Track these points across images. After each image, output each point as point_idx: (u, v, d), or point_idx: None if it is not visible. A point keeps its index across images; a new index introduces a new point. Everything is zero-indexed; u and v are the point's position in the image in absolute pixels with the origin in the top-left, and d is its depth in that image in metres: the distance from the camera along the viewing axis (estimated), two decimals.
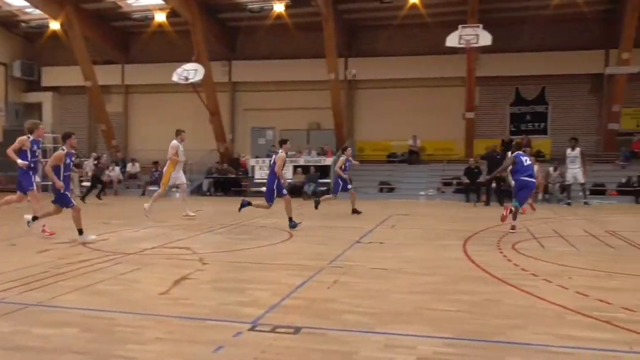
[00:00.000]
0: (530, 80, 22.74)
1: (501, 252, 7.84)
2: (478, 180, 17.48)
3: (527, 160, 10.13)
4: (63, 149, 8.55)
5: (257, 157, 22.29)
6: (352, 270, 6.52)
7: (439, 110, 22.80)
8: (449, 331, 4.22)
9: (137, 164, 23.04)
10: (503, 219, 9.88)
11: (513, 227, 9.84)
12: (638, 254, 7.76)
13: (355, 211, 13.28)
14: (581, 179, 16.30)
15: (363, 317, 4.58)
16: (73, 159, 9.04)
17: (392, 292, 5.48)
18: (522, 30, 21.16)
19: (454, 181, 19.58)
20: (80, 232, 8.42)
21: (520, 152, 10.39)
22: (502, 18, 20.96)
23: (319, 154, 21.91)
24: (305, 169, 20.34)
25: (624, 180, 18.24)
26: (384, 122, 23.49)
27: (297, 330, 4.22)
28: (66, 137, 8.67)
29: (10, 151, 8.84)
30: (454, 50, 19.53)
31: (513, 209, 9.80)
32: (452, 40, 18.63)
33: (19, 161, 8.84)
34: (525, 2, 19.33)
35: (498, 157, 17.18)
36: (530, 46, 21.58)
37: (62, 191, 8.47)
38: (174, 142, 11.98)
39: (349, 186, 13.53)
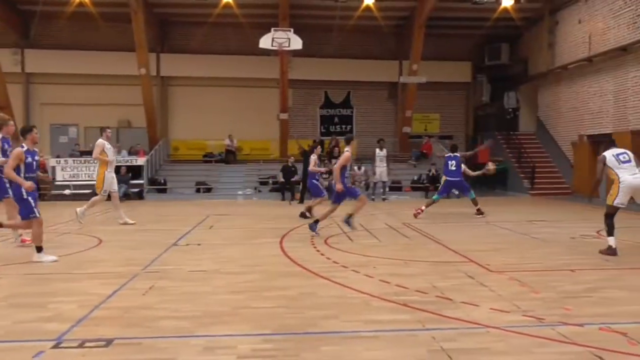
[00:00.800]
0: (337, 85, 24.35)
1: (315, 247, 8.28)
2: (292, 179, 18.20)
3: (452, 165, 12.59)
4: (23, 146, 7.19)
5: (58, 156, 20.17)
6: (169, 274, 6.32)
7: (254, 111, 23.17)
8: (268, 327, 4.34)
9: None
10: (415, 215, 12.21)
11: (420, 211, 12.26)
12: (428, 242, 8.84)
13: (304, 214, 12.27)
14: (385, 178, 18.03)
15: (181, 322, 4.48)
16: (37, 157, 7.49)
17: (210, 294, 5.45)
18: (330, 37, 22.56)
19: (270, 180, 20.10)
20: (39, 249, 7.09)
21: (452, 154, 12.86)
22: (311, 24, 22.06)
23: (130, 154, 20.69)
24: (116, 169, 18.99)
25: (415, 177, 20.62)
26: (199, 120, 23.10)
27: (108, 342, 3.97)
28: (25, 131, 7.32)
29: None
30: (267, 52, 20.04)
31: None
32: (265, 42, 19.07)
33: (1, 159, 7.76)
34: (331, 12, 20.62)
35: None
36: (337, 53, 23.11)
37: (24, 196, 7.02)
38: (99, 140, 10.96)
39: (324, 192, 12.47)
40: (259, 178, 20.61)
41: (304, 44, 19.35)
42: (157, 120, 21.92)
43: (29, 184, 7.03)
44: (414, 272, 6.51)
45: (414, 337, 4.14)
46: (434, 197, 13.12)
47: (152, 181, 19.86)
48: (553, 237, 9.35)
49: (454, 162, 12.71)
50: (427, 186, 19.64)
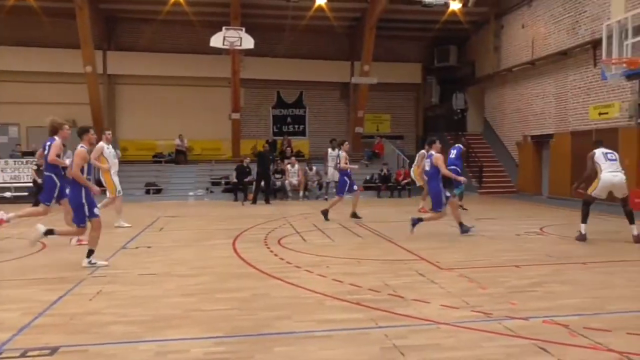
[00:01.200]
0: (290, 85, 24.32)
1: (268, 248, 8.25)
2: (246, 180, 18.06)
3: (452, 153, 13.21)
4: (83, 147, 6.98)
5: None
6: (118, 279, 6.15)
7: (205, 110, 22.85)
8: (220, 330, 4.29)
9: None
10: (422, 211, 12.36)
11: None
12: (380, 241, 8.96)
13: (354, 215, 11.89)
14: (337, 177, 18.09)
15: (131, 327, 4.37)
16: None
17: (161, 297, 5.33)
18: (282, 37, 22.52)
19: (223, 181, 19.86)
20: (91, 253, 6.91)
21: (455, 144, 13.75)
22: (263, 24, 21.94)
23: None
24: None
25: (368, 177, 20.83)
26: (148, 120, 22.56)
27: (53, 350, 3.82)
28: (83, 132, 7.16)
29: (53, 158, 7.90)
30: (218, 51, 19.80)
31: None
32: (216, 41, 18.85)
33: (67, 161, 8.05)
34: (283, 11, 20.58)
35: (270, 157, 18.17)
36: (290, 53, 23.10)
37: (82, 201, 6.81)
38: (100, 143, 10.54)
39: (355, 186, 12.08)
40: (211, 179, 20.33)
41: (256, 43, 19.25)
42: (104, 120, 21.24)
43: (97, 188, 6.99)
44: (367, 270, 6.58)
45: (366, 336, 4.19)
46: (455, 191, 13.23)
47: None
48: (499, 234, 9.66)
49: (454, 151, 13.34)
50: (379, 186, 19.89)
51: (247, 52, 20.30)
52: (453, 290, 5.51)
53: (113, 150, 11.15)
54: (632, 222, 8.62)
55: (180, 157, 21.74)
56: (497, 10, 21.01)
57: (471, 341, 4.04)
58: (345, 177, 11.95)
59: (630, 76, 12.64)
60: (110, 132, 11.38)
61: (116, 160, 11.18)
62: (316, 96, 24.88)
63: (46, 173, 8.28)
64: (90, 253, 6.88)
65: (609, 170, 8.49)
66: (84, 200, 6.80)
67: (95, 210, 6.92)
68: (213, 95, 23.01)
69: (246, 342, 4.06)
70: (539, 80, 18.58)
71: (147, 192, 19.32)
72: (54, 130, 8.01)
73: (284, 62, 22.95)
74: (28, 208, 8.88)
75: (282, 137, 23.19)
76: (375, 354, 3.80)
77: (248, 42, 18.97)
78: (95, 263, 6.85)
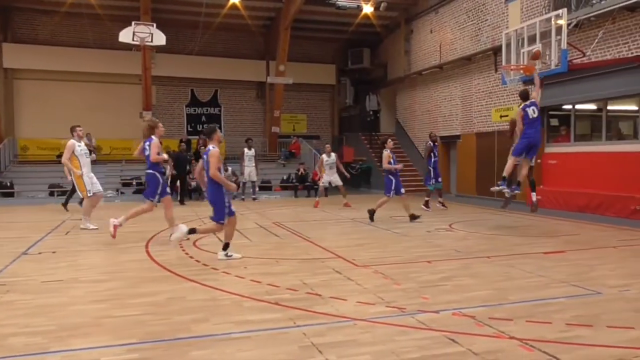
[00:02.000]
0: (204, 83, 23.83)
1: (183, 250, 8.04)
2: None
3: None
4: (214, 147, 7.12)
5: None
6: (19, 287, 5.74)
7: (115, 108, 21.85)
8: (133, 336, 4.13)
9: None
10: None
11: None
12: (298, 241, 9.02)
13: (413, 216, 11.43)
14: (254, 177, 18.00)
15: (34, 338, 4.09)
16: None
17: (68, 305, 5.05)
18: (196, 34, 22.03)
19: (134, 181, 19.09)
20: (227, 246, 7.26)
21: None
22: (176, 20, 21.35)
23: None
24: None
25: (285, 177, 20.90)
26: (51, 118, 21.17)
27: None
28: (212, 131, 7.30)
29: (154, 157, 8.53)
30: (128, 47, 19.01)
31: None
32: (125, 36, 18.08)
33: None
34: (196, 8, 20.12)
35: (189, 157, 17.68)
36: (204, 51, 22.62)
37: (225, 200, 7.09)
38: (70, 141, 9.81)
39: (402, 189, 11.43)
40: (121, 179, 19.49)
41: (168, 40, 18.68)
42: (1, 117, 19.74)
43: (233, 185, 7.31)
44: (285, 270, 6.60)
45: (285, 335, 4.20)
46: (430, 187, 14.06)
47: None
48: (412, 232, 10.04)
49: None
50: (297, 185, 19.99)
51: (159, 49, 19.65)
52: (369, 287, 5.66)
53: (85, 148, 10.50)
54: (533, 190, 9.85)
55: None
56: (407, 15, 21.78)
57: (386, 336, 4.17)
58: (391, 176, 11.48)
59: (526, 82, 13.55)
60: (82, 128, 10.63)
61: (88, 159, 10.54)
62: (232, 95, 24.57)
63: (149, 171, 8.75)
64: (226, 246, 7.25)
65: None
66: (225, 198, 7.06)
67: (232, 208, 7.21)
68: (123, 93, 22.08)
69: (161, 347, 3.94)
70: (446, 83, 19.50)
71: (52, 194, 18.18)
72: (151, 129, 8.62)
73: (198, 60, 22.46)
74: (134, 208, 9.05)
75: (197, 137, 22.64)
76: (294, 353, 3.82)
77: (159, 39, 18.37)
78: (231, 255, 7.20)
